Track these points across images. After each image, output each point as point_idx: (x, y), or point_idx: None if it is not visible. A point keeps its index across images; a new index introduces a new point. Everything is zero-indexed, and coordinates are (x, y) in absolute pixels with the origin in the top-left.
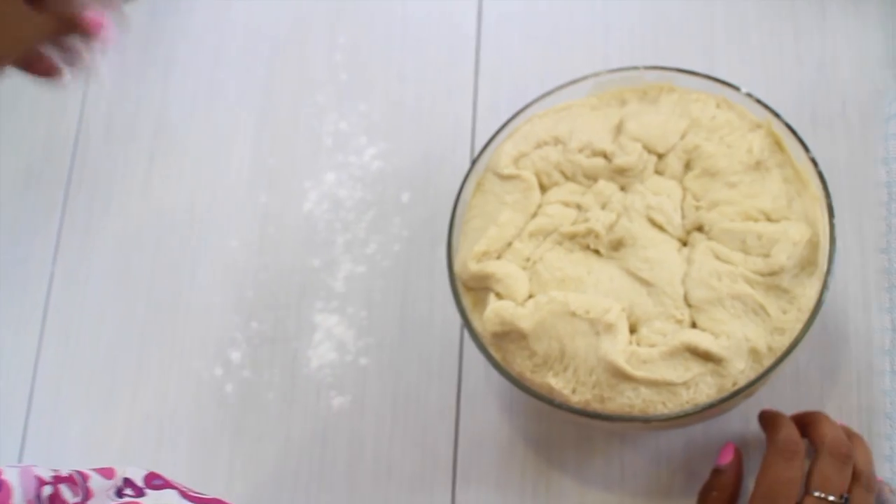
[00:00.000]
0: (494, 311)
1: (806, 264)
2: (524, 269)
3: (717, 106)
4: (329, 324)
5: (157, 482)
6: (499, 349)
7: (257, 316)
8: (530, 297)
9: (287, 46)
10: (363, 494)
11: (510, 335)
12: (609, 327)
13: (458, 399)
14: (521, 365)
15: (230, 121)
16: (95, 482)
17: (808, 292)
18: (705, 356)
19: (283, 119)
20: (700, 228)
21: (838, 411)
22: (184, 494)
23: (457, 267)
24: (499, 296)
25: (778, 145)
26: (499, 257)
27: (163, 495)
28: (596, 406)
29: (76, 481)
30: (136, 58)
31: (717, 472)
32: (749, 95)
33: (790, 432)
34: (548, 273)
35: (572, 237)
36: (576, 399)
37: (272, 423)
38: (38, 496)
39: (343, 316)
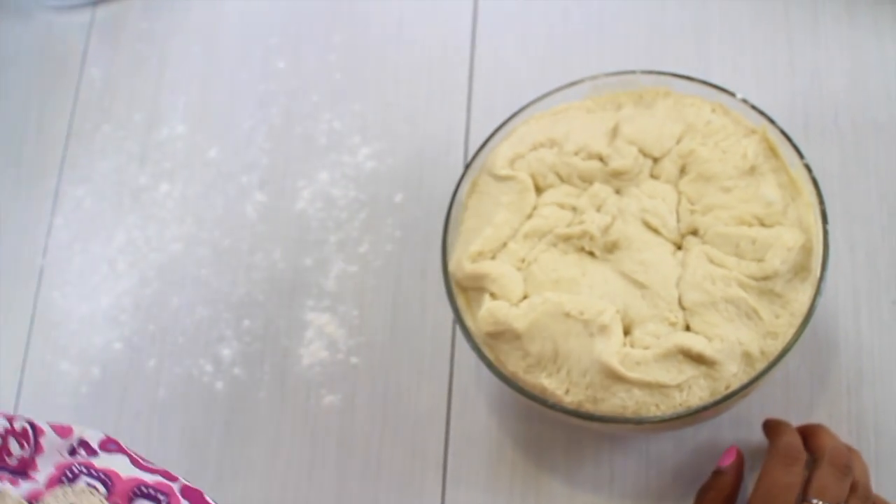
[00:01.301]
0: (489, 311)
1: (799, 270)
2: (519, 269)
3: (713, 111)
4: (320, 322)
5: (111, 447)
6: (492, 349)
7: (249, 313)
8: (525, 297)
9: (281, 45)
10: (352, 494)
11: (504, 335)
12: (603, 329)
13: (448, 400)
14: (515, 365)
15: (223, 118)
16: (48, 439)
17: (800, 297)
18: (698, 359)
19: (277, 117)
20: (695, 232)
21: (828, 418)
22: (134, 461)
23: (451, 266)
24: (493, 296)
25: (772, 151)
26: (493, 258)
27: (114, 458)
28: (589, 407)
29: (27, 435)
30: (129, 54)
31: (717, 472)
32: (744, 101)
33: (792, 439)
34: (542, 274)
35: (567, 239)
36: (569, 400)
37: (262, 421)
38: None
39: (334, 315)
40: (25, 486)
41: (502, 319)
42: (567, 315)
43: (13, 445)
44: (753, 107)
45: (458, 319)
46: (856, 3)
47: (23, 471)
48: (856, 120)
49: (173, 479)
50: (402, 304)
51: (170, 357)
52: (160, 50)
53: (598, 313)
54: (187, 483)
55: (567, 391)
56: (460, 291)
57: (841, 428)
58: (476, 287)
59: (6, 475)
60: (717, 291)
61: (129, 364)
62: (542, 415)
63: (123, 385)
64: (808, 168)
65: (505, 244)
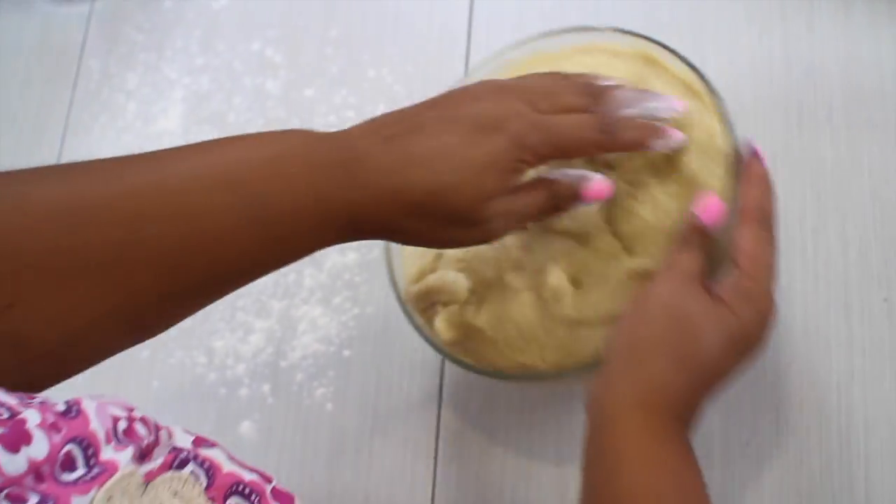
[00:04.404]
0: (444, 321)
1: (713, 156)
2: (461, 270)
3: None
4: (313, 315)
5: (205, 444)
6: (466, 351)
7: (242, 306)
8: (473, 292)
9: (279, 38)
10: (343, 485)
11: (468, 335)
12: (554, 291)
13: (440, 392)
14: (490, 356)
15: (220, 110)
16: (164, 434)
17: (715, 182)
18: (648, 277)
19: (274, 110)
20: (610, 167)
21: (818, 414)
22: (230, 457)
23: (403, 294)
24: (445, 304)
25: (657, 66)
26: (433, 270)
27: (212, 450)
28: (567, 362)
29: (148, 422)
30: (127, 45)
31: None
32: (615, 29)
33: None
34: (482, 264)
35: None
36: (547, 364)
37: (254, 413)
38: (115, 428)
39: (327, 307)
40: (145, 468)
41: (460, 323)
42: (516, 292)
43: (140, 429)
44: (625, 31)
45: (425, 339)
46: (852, 0)
47: (146, 453)
48: (850, 117)
49: (268, 479)
50: (394, 296)
51: (163, 348)
52: (158, 42)
53: (545, 279)
54: (279, 486)
55: (543, 358)
56: (421, 312)
57: (831, 425)
58: (430, 303)
59: (135, 450)
60: (646, 215)
61: (122, 355)
62: (533, 405)
63: (117, 376)
64: (693, 68)
65: (440, 253)
